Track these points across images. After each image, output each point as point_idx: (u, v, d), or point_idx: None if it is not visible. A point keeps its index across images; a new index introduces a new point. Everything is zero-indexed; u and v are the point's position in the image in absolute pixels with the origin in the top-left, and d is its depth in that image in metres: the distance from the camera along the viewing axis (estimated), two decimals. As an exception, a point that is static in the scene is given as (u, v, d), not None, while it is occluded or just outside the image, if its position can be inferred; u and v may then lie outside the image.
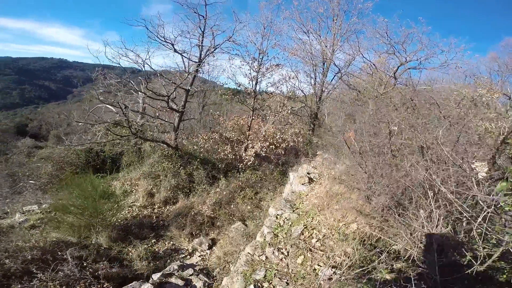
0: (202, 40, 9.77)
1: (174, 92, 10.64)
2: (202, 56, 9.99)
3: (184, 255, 6.09)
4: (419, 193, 3.32)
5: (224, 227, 6.72)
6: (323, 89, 13.18)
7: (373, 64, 11.84)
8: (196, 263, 5.79)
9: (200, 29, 9.61)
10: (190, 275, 5.11)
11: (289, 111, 11.11)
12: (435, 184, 3.03)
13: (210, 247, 6.20)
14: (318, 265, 3.63)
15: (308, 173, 7.09)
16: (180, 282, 4.80)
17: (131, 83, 9.51)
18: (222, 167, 9.65)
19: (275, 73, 10.80)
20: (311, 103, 13.29)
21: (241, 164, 9.61)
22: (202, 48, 9.89)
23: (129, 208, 7.89)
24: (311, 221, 4.70)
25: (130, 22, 9.44)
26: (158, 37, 8.98)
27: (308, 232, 4.41)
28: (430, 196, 2.92)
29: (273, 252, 4.22)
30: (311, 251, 3.98)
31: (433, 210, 2.89)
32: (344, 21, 12.29)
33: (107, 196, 7.45)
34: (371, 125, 6.06)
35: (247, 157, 9.67)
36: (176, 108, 10.26)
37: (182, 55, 9.78)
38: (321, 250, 3.92)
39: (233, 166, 9.83)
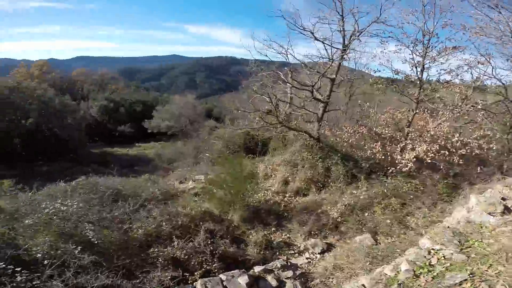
0: (343, 24, 9.00)
1: (319, 82, 10.43)
2: (345, 42, 9.22)
3: (293, 252, 5.89)
4: None
5: (349, 234, 5.86)
6: None
7: None
8: (301, 264, 5.41)
9: (338, 13, 8.84)
10: (287, 278, 4.76)
11: (477, 106, 8.12)
12: None
13: (322, 252, 5.62)
14: None
15: (504, 199, 4.76)
16: (274, 283, 4.57)
17: (279, 73, 10.13)
18: (366, 167, 8.36)
19: (452, 57, 8.35)
20: None
21: (393, 168, 7.80)
22: (344, 33, 9.11)
23: (265, 192, 8.57)
24: (486, 270, 3.01)
25: (269, 14, 10.39)
26: (296, 26, 9.08)
27: (472, 284, 2.85)
28: None
29: None
30: None
31: None
32: None
33: (251, 177, 8.45)
34: None
35: (403, 160, 7.71)
36: (320, 98, 9.98)
37: (324, 43, 9.38)
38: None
39: (381, 168, 8.26)
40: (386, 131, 9.04)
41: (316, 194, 7.74)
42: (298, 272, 4.95)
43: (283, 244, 6.13)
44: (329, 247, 5.84)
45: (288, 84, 11.01)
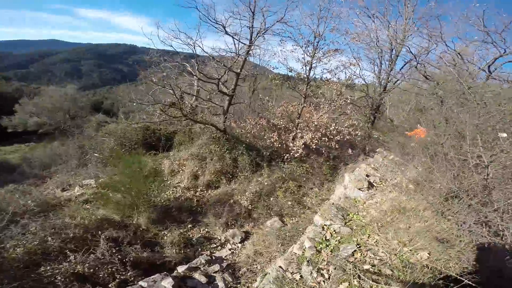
0: (253, 21, 9.30)
1: (225, 76, 10.48)
2: (252, 38, 9.50)
3: (215, 245, 5.80)
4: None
5: (260, 220, 6.22)
6: (389, 79, 11.44)
7: (458, 54, 9.44)
8: (225, 256, 5.41)
9: (251, 9, 9.10)
10: (215, 272, 4.69)
11: (347, 101, 9.97)
12: None
13: (242, 241, 5.78)
14: None
15: (368, 176, 5.96)
16: (203, 279, 4.41)
17: (184, 65, 9.56)
18: (266, 155, 9.08)
19: (333, 58, 9.88)
20: (373, 93, 11.64)
21: (288, 154, 8.85)
22: (252, 30, 9.40)
23: (174, 189, 7.98)
24: (367, 239, 3.75)
25: (182, 4, 9.56)
26: (209, 19, 8.83)
27: (361, 254, 3.49)
28: None
29: (311, 273, 3.42)
30: (360, 278, 3.09)
31: None
32: (418, 5, 10.35)
33: (154, 175, 7.61)
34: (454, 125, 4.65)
35: (294, 147, 8.88)
36: (226, 91, 9.99)
37: (234, 37, 9.42)
38: (373, 280, 3.00)
39: (278, 155, 9.16)
40: (281, 122, 10.09)
41: (227, 185, 7.80)
42: (224, 264, 4.89)
43: (203, 239, 5.90)
44: (247, 235, 5.99)
45: (194, 76, 10.38)
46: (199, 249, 5.58)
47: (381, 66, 11.56)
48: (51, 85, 33.10)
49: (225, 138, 9.73)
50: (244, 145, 9.31)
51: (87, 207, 6.50)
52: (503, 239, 2.25)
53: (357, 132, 8.86)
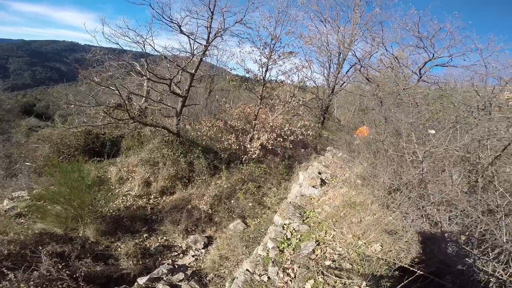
0: (211, 21, 8.79)
1: (179, 76, 9.76)
2: (210, 38, 8.99)
3: (176, 253, 5.35)
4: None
5: (223, 224, 5.95)
6: (337, 81, 12.19)
7: (396, 58, 10.57)
8: (189, 264, 5.03)
9: (210, 9, 8.59)
10: (180, 281, 4.32)
11: (300, 102, 10.17)
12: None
13: (205, 246, 5.43)
14: None
15: (320, 173, 6.11)
16: None
17: (133, 64, 8.69)
18: (225, 157, 8.76)
19: (288, 61, 9.89)
20: (323, 95, 12.31)
21: (246, 156, 8.68)
22: (210, 30, 8.88)
23: (123, 197, 7.13)
24: (325, 235, 3.78)
25: (133, 1, 8.55)
26: (163, 17, 8.04)
27: (321, 250, 3.49)
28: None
29: (277, 273, 3.32)
30: (323, 274, 3.07)
31: None
32: (365, 12, 11.16)
33: (99, 184, 6.74)
34: (392, 123, 5.05)
35: (252, 149, 8.76)
36: (179, 92, 9.31)
37: (189, 37, 8.77)
38: (336, 275, 3.00)
39: (237, 156, 8.93)
40: (238, 124, 9.81)
41: (183, 190, 7.25)
42: (189, 272, 4.52)
43: (163, 248, 5.39)
44: (210, 240, 5.67)
45: (144, 76, 9.42)
46: (159, 259, 5.10)
47: (329, 69, 12.20)
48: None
49: (178, 141, 9.10)
50: (200, 148, 8.82)
51: (21, 221, 5.55)
52: (442, 229, 2.42)
53: (308, 132, 9.10)
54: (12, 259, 4.10)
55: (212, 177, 7.71)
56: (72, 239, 5.04)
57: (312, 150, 9.01)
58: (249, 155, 8.61)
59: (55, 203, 5.48)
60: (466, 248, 2.08)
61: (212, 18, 8.74)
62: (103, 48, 8.18)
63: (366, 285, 2.51)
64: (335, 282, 2.91)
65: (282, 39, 9.67)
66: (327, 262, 3.25)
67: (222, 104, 10.96)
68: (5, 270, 3.79)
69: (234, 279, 3.56)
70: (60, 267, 4.09)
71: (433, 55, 9.81)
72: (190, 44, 8.94)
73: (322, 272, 3.11)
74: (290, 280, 3.18)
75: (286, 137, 8.98)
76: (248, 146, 8.96)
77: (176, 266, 4.70)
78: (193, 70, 9.28)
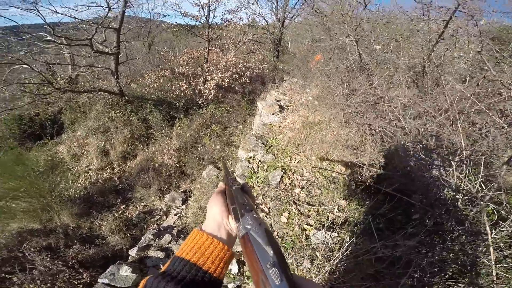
0: None
1: (102, 35, 8.27)
2: None
3: (159, 216, 5.08)
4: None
5: (195, 174, 5.57)
6: (286, 15, 11.27)
7: None
8: (174, 223, 4.82)
9: None
10: (169, 242, 4.16)
11: (251, 39, 9.02)
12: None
13: (184, 201, 5.16)
14: (308, 224, 2.61)
15: (278, 100, 5.67)
16: (160, 254, 3.88)
17: (42, 36, 7.11)
18: (181, 105, 7.79)
19: None
20: (274, 30, 11.44)
21: (202, 98, 7.75)
22: None
23: (85, 174, 6.28)
24: (290, 161, 3.53)
25: None
26: None
27: (289, 178, 3.29)
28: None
29: None
30: (295, 204, 2.93)
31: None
32: None
33: (52, 167, 5.80)
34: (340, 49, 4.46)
35: (206, 90, 7.79)
36: (107, 51, 7.74)
37: None
38: (308, 203, 2.86)
39: (194, 102, 7.97)
40: (187, 69, 8.60)
41: (145, 150, 6.51)
42: (175, 232, 4.33)
43: (144, 215, 5.08)
44: (187, 195, 5.37)
45: (55, 42, 7.38)
46: (145, 226, 4.82)
47: (277, 3, 11.28)
48: None
49: (124, 100, 7.83)
50: (150, 102, 7.69)
51: None
52: (398, 139, 2.15)
53: (264, 65, 8.38)
54: (7, 264, 3.81)
55: (171, 129, 6.92)
56: (52, 230, 4.62)
57: (270, 82, 8.29)
58: (205, 97, 7.70)
59: (15, 199, 4.80)
60: (427, 158, 1.84)
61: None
62: None
63: (338, 210, 2.38)
64: (309, 211, 2.80)
65: None
66: (297, 190, 3.08)
67: (165, 53, 9.39)
68: (6, 275, 3.57)
69: None
70: (53, 259, 3.82)
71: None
72: None
73: (294, 202, 2.94)
74: (265, 216, 3.03)
75: (242, 74, 8.07)
76: (202, 88, 7.94)
77: (162, 229, 4.48)
78: (118, 25, 7.56)
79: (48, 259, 3.78)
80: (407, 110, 2.33)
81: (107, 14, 7.41)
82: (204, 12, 8.29)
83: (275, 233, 2.76)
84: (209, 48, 8.77)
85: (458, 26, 2.30)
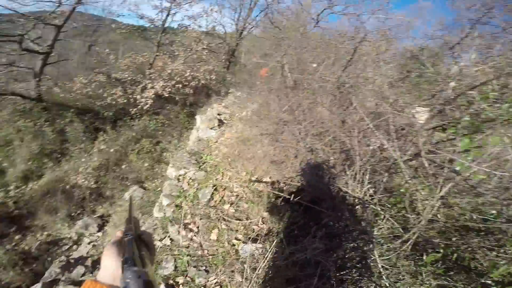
0: None
1: (38, 31, 7.62)
2: None
3: (68, 246, 4.33)
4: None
5: (116, 196, 4.98)
6: (245, 25, 11.59)
7: (301, 4, 10.13)
8: (87, 253, 4.15)
9: None
10: (82, 275, 3.59)
11: (205, 47, 8.99)
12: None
13: (100, 228, 4.50)
14: (237, 238, 2.61)
15: (219, 114, 5.65)
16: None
17: None
18: (109, 115, 7.08)
19: (196, 4, 8.78)
20: (231, 40, 11.53)
21: (136, 108, 7.21)
22: None
23: (-35, 199, 4.97)
24: (222, 178, 3.49)
25: None
26: None
27: (219, 195, 3.22)
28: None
29: (179, 232, 2.91)
30: (225, 220, 2.86)
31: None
32: None
33: None
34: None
35: (143, 99, 7.31)
36: (38, 49, 7.20)
37: None
38: (236, 218, 2.84)
39: (126, 112, 7.36)
40: (127, 75, 8.15)
41: (55, 169, 5.55)
42: (89, 263, 3.83)
43: (47, 246, 4.35)
44: (104, 220, 4.74)
45: None
46: (49, 259, 4.12)
47: (240, 13, 11.47)
48: None
49: (41, 107, 6.80)
50: (72, 110, 6.80)
51: None
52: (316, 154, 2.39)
53: (212, 76, 8.32)
54: None
55: (93, 143, 6.16)
56: None
57: (215, 94, 8.34)
58: (139, 106, 7.20)
59: None
60: (334, 170, 2.08)
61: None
62: None
63: (262, 222, 2.44)
64: (237, 226, 2.74)
65: None
66: (226, 206, 3.03)
67: (105, 55, 8.72)
68: None
69: None
70: None
71: (331, 2, 9.95)
72: None
73: (223, 218, 2.88)
74: (194, 235, 2.83)
75: (187, 83, 7.89)
76: (139, 97, 7.44)
77: (72, 261, 3.89)
78: (61, 22, 7.18)
79: None
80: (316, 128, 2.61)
81: (55, 10, 7.01)
82: (162, 16, 8.32)
83: (205, 251, 2.65)
84: (157, 53, 8.54)
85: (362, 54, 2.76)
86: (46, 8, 7.48)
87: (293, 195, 2.36)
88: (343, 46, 4.14)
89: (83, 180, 4.91)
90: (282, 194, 2.54)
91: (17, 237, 4.41)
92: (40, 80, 7.30)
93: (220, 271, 2.39)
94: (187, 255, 2.65)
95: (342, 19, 10.78)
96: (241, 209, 2.95)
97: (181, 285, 2.45)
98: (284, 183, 2.66)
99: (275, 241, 2.27)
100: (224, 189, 3.30)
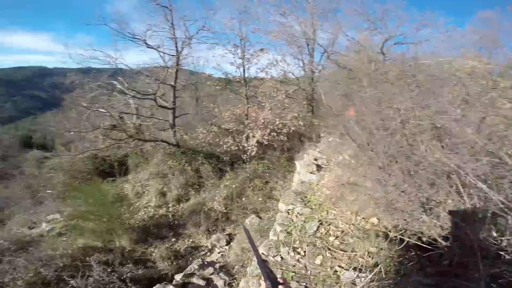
0: (174, 32, 9.04)
1: (161, 89, 10.13)
2: (178, 48, 9.30)
3: (204, 252, 6.03)
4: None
5: (239, 221, 6.58)
6: (313, 70, 12.24)
7: (358, 42, 11.00)
8: (216, 260, 5.68)
9: (168, 20, 8.84)
10: (211, 274, 4.96)
11: (284, 95, 10.33)
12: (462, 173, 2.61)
13: (228, 243, 6.10)
14: (340, 266, 3.33)
15: (315, 159, 6.69)
16: (201, 282, 4.69)
17: (113, 84, 9.18)
18: (227, 159, 9.32)
19: (262, 57, 9.95)
20: (305, 85, 12.31)
21: (245, 154, 9.21)
22: (176, 40, 9.18)
23: (145, 209, 7.75)
24: (326, 215, 4.41)
25: (89, 22, 8.88)
26: (125, 34, 8.39)
27: (324, 229, 4.12)
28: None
29: (289, 253, 3.86)
30: (329, 250, 3.67)
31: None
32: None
33: (120, 200, 7.38)
34: (372, 104, 5.53)
35: (249, 147, 9.21)
36: (166, 105, 9.76)
37: (158, 50, 9.08)
38: (341, 249, 3.63)
39: (238, 157, 9.47)
40: (232, 126, 10.03)
41: (196, 196, 7.86)
42: (217, 266, 5.12)
43: (191, 249, 6.09)
44: (230, 237, 6.30)
45: (128, 94, 9.72)
46: (190, 258, 5.76)
47: (303, 60, 12.19)
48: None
49: (180, 151, 9.56)
50: (201, 155, 9.37)
51: (63, 239, 6.25)
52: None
53: (299, 122, 9.38)
54: (68, 270, 4.84)
55: (220, 180, 8.32)
56: (111, 249, 5.79)
57: (306, 139, 9.50)
58: (248, 153, 9.09)
59: (88, 220, 6.22)
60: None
61: (174, 29, 8.91)
62: (77, 70, 8.77)
63: (369, 256, 3.15)
64: (342, 256, 3.43)
65: (250, 37, 9.74)
66: (331, 238, 3.87)
67: (212, 109, 11.16)
68: (67, 278, 4.51)
69: (252, 261, 4.16)
70: (109, 272, 4.78)
71: (389, 35, 10.40)
72: (161, 56, 9.25)
73: (328, 248, 3.71)
74: (301, 258, 3.65)
75: (279, 131, 9.25)
76: (246, 145, 9.38)
77: (206, 263, 5.33)
78: (173, 82, 9.58)
79: (104, 271, 4.76)
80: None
81: (166, 73, 9.38)
82: (240, 72, 9.78)
83: (309, 271, 3.42)
84: (248, 105, 10.08)
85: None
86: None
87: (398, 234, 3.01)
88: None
89: (216, 206, 6.86)
90: (390, 233, 3.21)
91: (173, 239, 6.46)
92: (175, 131, 9.82)
93: (317, 290, 3.10)
94: (292, 272, 3.41)
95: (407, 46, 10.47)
96: (346, 242, 3.73)
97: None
98: (394, 226, 3.31)
99: (381, 272, 2.91)
100: (329, 224, 4.20)
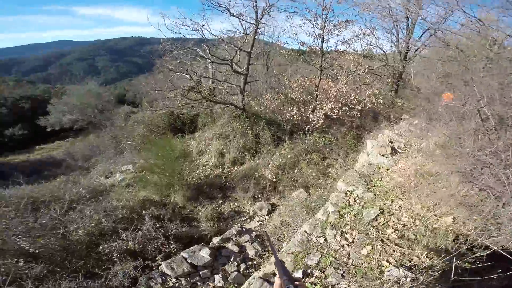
0: (256, 0, 8.97)
1: (238, 56, 10.50)
2: (258, 17, 9.30)
3: (245, 218, 6.11)
4: None
5: (286, 192, 6.35)
6: (409, 47, 10.91)
7: (480, 21, 8.22)
8: (254, 228, 5.71)
9: None
10: (246, 242, 5.01)
11: (366, 70, 9.36)
12: None
13: (269, 213, 6.02)
14: (388, 261, 2.80)
15: (391, 142, 5.76)
16: (235, 249, 4.76)
17: (196, 50, 9.85)
18: (287, 128, 9.08)
19: (345, 30, 9.18)
20: (394, 62, 11.20)
21: (308, 126, 8.73)
22: (257, 8, 9.17)
23: (203, 167, 8.36)
24: (390, 204, 3.74)
25: None
26: (211, 3, 8.72)
27: (384, 219, 3.51)
28: None
29: (335, 236, 3.47)
30: (383, 242, 3.13)
31: None
32: None
33: (184, 156, 8.06)
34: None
35: (315, 118, 8.69)
36: (240, 71, 10.06)
37: (239, 18, 9.28)
38: (396, 244, 3.05)
39: (300, 128, 9.09)
40: (299, 96, 9.89)
41: (251, 160, 8.00)
42: (253, 235, 5.19)
43: (234, 213, 6.25)
44: (273, 207, 6.22)
45: (208, 60, 10.37)
46: (231, 222, 5.94)
47: (398, 35, 11.09)
48: (73, 84, 33.83)
49: (245, 115, 9.85)
50: (264, 121, 9.37)
51: (130, 190, 7.06)
52: None
53: (379, 100, 8.45)
54: (124, 222, 5.11)
55: (276, 148, 8.17)
56: (165, 204, 6.20)
57: (384, 119, 8.29)
58: (312, 124, 8.61)
59: (153, 173, 6.77)
60: None
61: (255, -3, 8.86)
62: (169, 39, 9.44)
63: (426, 256, 2.52)
64: (394, 251, 2.93)
65: (335, 8, 8.82)
66: (389, 230, 3.27)
67: (281, 78, 11.19)
68: (120, 231, 4.73)
69: (291, 238, 3.87)
70: (157, 227, 5.05)
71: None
72: (241, 24, 9.48)
73: (382, 239, 3.16)
74: (347, 244, 3.29)
75: (352, 106, 8.50)
76: (311, 116, 8.92)
77: (244, 229, 5.41)
78: (249, 49, 9.77)
79: (153, 226, 4.98)
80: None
81: (244, 40, 9.69)
82: (318, 43, 9.30)
83: (351, 260, 3.04)
84: (321, 77, 9.65)
85: None
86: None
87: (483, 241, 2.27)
88: None
89: (268, 173, 6.82)
90: (472, 237, 2.47)
91: (220, 201, 6.72)
92: (244, 95, 10.13)
93: (354, 281, 2.64)
94: (333, 257, 3.10)
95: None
96: (405, 237, 3.08)
97: (314, 277, 2.91)
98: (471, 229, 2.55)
99: (433, 276, 2.29)
100: (392, 215, 3.55)
